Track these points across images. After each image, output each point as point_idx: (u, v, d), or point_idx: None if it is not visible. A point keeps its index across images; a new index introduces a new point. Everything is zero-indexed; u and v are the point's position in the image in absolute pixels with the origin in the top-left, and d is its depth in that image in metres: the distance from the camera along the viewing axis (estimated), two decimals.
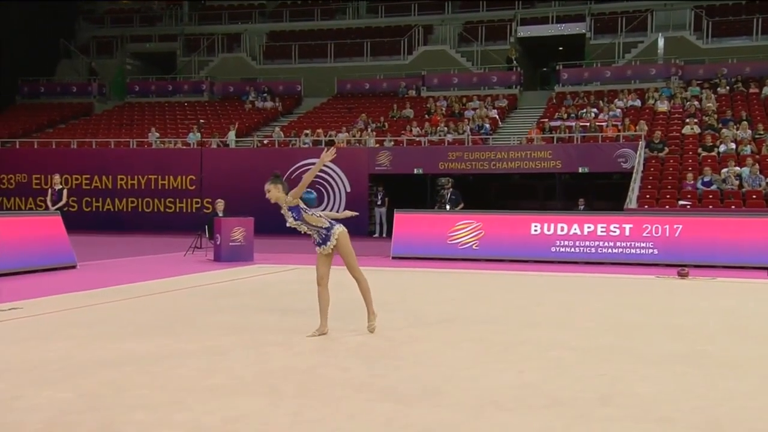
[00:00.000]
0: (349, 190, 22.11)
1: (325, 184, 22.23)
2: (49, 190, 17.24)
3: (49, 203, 16.66)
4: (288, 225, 6.59)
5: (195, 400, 4.54)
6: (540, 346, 6.31)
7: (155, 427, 4.04)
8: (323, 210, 23.42)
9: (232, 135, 24.43)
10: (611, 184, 22.27)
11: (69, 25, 33.28)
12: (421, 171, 21.79)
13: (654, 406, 4.47)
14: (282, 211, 6.54)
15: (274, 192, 6.50)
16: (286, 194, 6.49)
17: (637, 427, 4.08)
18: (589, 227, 13.70)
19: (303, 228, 6.58)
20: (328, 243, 6.60)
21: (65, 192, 16.92)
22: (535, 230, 14.05)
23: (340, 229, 6.64)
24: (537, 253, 13.87)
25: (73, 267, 12.51)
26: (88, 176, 23.91)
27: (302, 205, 6.53)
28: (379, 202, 22.03)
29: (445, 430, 4.01)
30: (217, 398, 4.59)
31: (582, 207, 18.82)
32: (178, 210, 23.65)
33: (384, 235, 21.75)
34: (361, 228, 21.95)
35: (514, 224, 14.39)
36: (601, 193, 22.05)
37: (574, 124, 21.64)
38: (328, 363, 5.61)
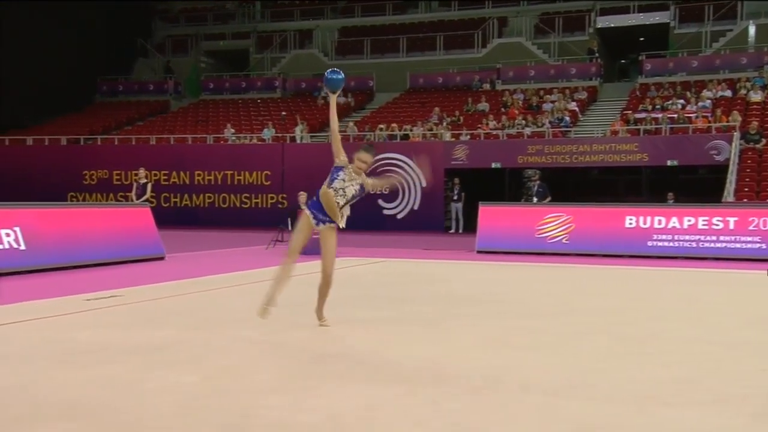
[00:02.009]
0: (424, 185, 21.75)
1: (401, 178, 21.93)
2: (134, 184, 17.45)
3: (134, 197, 16.85)
4: (344, 192, 5.95)
5: (326, 386, 4.29)
6: (675, 339, 5.87)
7: (291, 413, 3.81)
8: (399, 204, 23.24)
9: (298, 130, 24.38)
10: (697, 179, 21.32)
11: (145, 25, 33.95)
12: (499, 165, 21.28)
13: None
14: (348, 179, 5.94)
15: (370, 162, 6.03)
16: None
17: None
18: (689, 220, 13.02)
19: (338, 200, 5.93)
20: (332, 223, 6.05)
21: (149, 186, 17.06)
22: (630, 224, 13.44)
23: None
24: (632, 248, 13.26)
25: (162, 258, 12.55)
26: (166, 172, 24.23)
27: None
28: (455, 197, 21.62)
29: (608, 425, 3.63)
30: (348, 384, 4.33)
31: (671, 202, 18.01)
32: (253, 205, 23.74)
33: (460, 231, 21.34)
34: (437, 223, 21.64)
35: (606, 217, 13.80)
36: (687, 188, 21.09)
37: (660, 115, 20.78)
38: (453, 353, 5.29)
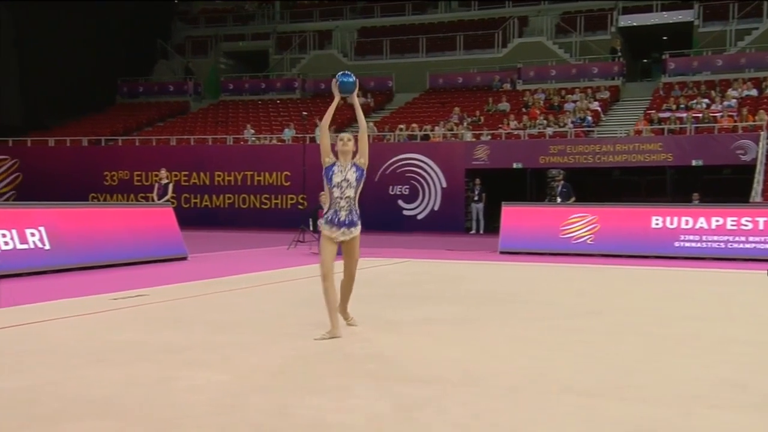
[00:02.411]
0: (445, 185, 21.62)
1: (420, 179, 21.83)
2: (155, 185, 17.45)
3: (155, 197, 16.85)
4: (348, 181, 5.67)
5: (361, 386, 4.21)
6: (713, 340, 5.74)
7: (329, 413, 3.72)
8: (419, 205, 23.14)
9: (317, 131, 24.33)
10: (722, 179, 21.03)
11: (165, 26, 34.09)
12: (520, 165, 21.08)
13: None
14: (343, 168, 5.66)
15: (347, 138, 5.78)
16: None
17: None
18: (717, 221, 12.80)
19: (348, 193, 5.66)
20: (356, 228, 5.75)
21: (171, 186, 17.05)
22: (657, 224, 13.24)
23: None
24: (658, 248, 13.06)
25: (184, 258, 12.53)
26: (186, 173, 24.27)
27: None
28: (476, 198, 21.44)
29: (658, 428, 3.51)
30: (382, 384, 4.24)
31: (697, 202, 17.74)
32: (273, 206, 23.72)
33: (481, 232, 21.18)
34: (457, 224, 21.48)
35: (632, 217, 13.61)
36: (711, 188, 20.80)
37: (685, 115, 20.50)
38: (486, 353, 5.19)
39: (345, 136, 5.81)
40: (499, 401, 3.95)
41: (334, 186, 5.66)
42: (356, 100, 6.05)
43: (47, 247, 10.24)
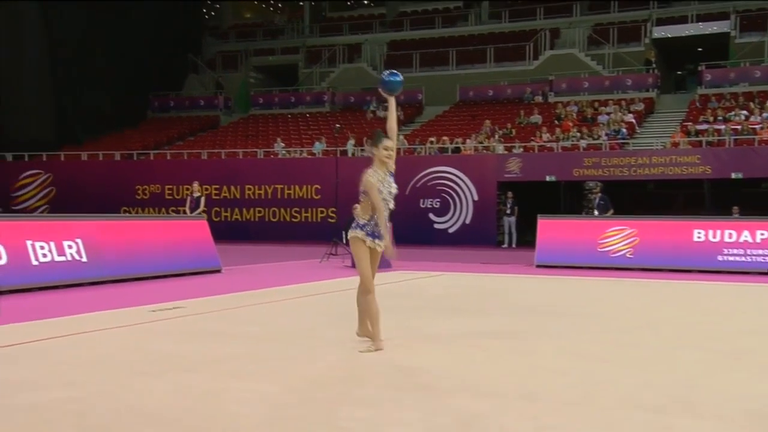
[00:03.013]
0: (476, 198, 21.40)
1: (452, 192, 21.64)
2: (188, 198, 17.51)
3: (187, 210, 16.90)
4: (390, 194, 5.42)
5: (413, 399, 4.04)
6: None
7: (383, 425, 3.57)
8: (450, 218, 22.95)
9: (350, 145, 24.28)
10: (761, 192, 20.55)
11: (196, 41, 34.40)
12: (553, 178, 20.81)
13: None
14: (383, 180, 5.36)
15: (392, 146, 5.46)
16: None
17: None
18: (762, 234, 12.44)
19: (391, 206, 5.42)
20: (382, 239, 5.44)
21: (203, 199, 17.08)
22: (699, 237, 12.90)
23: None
24: (701, 262, 12.71)
25: (219, 271, 12.47)
26: (217, 186, 24.34)
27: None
28: (508, 211, 21.18)
29: None
30: (436, 398, 4.07)
31: (737, 216, 17.33)
32: (303, 219, 23.67)
33: (513, 245, 20.91)
34: (489, 238, 21.23)
35: (673, 230, 13.28)
36: (750, 202, 20.33)
37: (723, 127, 20.10)
38: (540, 367, 5.00)
39: (386, 143, 5.43)
40: (563, 416, 3.77)
41: (384, 198, 5.38)
42: (393, 103, 5.75)
43: (84, 259, 10.23)
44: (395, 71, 5.85)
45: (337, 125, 20.15)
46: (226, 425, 3.54)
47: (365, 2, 35.37)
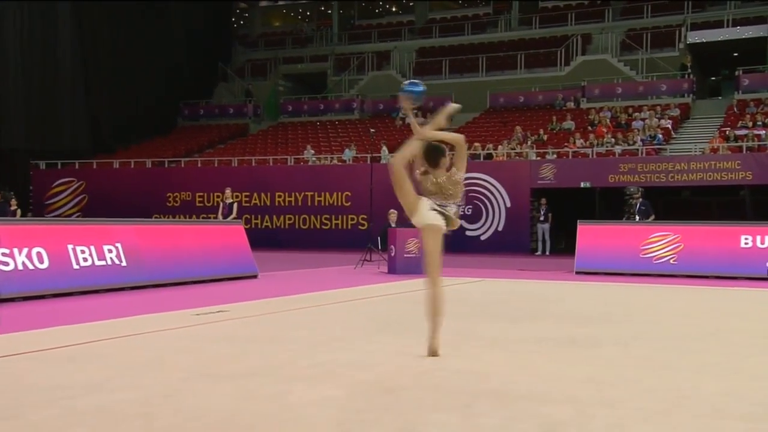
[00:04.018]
0: (509, 205, 21.15)
1: (484, 198, 21.40)
2: (220, 204, 17.45)
3: (220, 216, 16.82)
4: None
5: (487, 405, 3.85)
6: None
7: (464, 429, 3.38)
8: (483, 225, 22.66)
9: (384, 152, 24.16)
10: None
11: (226, 50, 34.58)
12: (588, 184, 20.49)
13: None
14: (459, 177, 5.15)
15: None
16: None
17: None
18: None
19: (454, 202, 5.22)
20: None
21: (236, 206, 16.99)
22: (746, 243, 12.55)
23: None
24: (748, 269, 12.37)
25: (255, 277, 12.37)
26: (247, 193, 24.32)
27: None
28: (542, 218, 20.90)
29: None
30: (511, 404, 3.88)
31: None
32: (333, 226, 23.56)
33: (547, 253, 20.62)
34: (522, 245, 20.96)
35: (719, 236, 12.95)
36: None
37: (763, 132, 19.69)
38: (611, 373, 4.78)
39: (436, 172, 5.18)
40: (652, 425, 3.55)
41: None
42: (411, 116, 5.44)
43: (124, 263, 10.17)
44: (415, 81, 5.53)
45: (372, 130, 20.02)
46: (299, 429, 3.38)
47: (393, 9, 35.30)
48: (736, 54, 26.37)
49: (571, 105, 25.69)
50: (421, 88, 5.34)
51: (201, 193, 24.81)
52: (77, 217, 25.31)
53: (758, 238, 12.49)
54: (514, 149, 22.55)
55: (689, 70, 25.19)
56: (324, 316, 7.68)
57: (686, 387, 4.35)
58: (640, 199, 14.39)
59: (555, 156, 21.42)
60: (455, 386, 4.33)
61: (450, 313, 7.58)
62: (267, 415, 3.62)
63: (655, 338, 6.20)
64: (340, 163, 24.44)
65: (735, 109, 22.52)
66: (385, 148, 24.33)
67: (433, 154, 5.13)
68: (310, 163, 24.94)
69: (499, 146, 22.75)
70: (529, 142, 22.95)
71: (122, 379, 4.34)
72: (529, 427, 3.46)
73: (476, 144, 23.17)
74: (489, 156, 22.50)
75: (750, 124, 20.66)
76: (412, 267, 13.47)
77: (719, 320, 7.60)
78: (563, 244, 21.96)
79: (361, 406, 3.83)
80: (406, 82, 5.51)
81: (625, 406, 3.90)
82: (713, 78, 29.19)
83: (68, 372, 4.57)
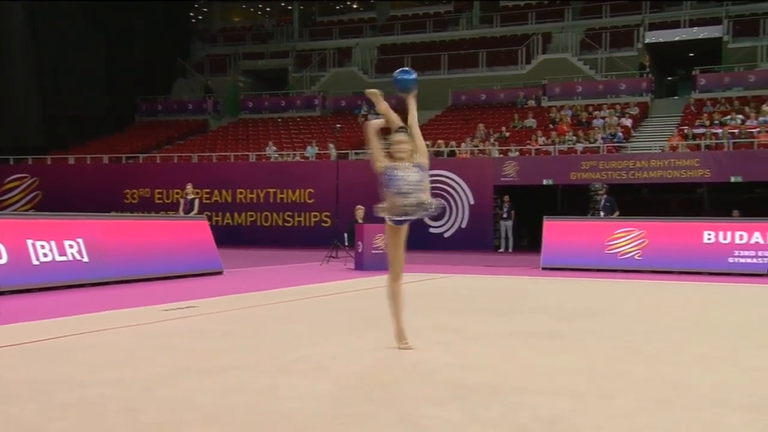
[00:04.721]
0: (472, 202, 21.18)
1: (447, 196, 21.38)
2: (181, 200, 17.10)
3: (181, 213, 16.47)
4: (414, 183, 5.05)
5: (482, 397, 3.76)
6: None
7: (468, 423, 3.29)
8: (446, 222, 22.62)
9: (332, 148, 23.91)
10: (757, 196, 20.51)
11: (184, 45, 33.93)
12: (551, 182, 20.64)
13: None
14: (403, 170, 5.04)
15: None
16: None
17: None
18: None
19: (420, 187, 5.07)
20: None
21: (197, 201, 16.67)
22: (709, 239, 12.74)
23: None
24: (711, 264, 12.56)
25: (220, 273, 12.10)
26: (208, 190, 23.90)
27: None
28: (504, 215, 20.97)
29: None
30: (509, 396, 3.79)
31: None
32: (296, 224, 23.30)
33: (510, 250, 20.69)
34: (485, 242, 21.00)
35: (682, 232, 13.13)
36: (747, 206, 20.28)
37: (720, 131, 20.07)
38: (603, 365, 4.73)
39: (396, 137, 5.22)
40: (652, 416, 3.49)
41: (400, 192, 5.04)
42: (412, 101, 5.44)
43: (86, 259, 9.82)
44: (407, 69, 5.52)
45: (338, 125, 19.81)
46: (295, 424, 3.23)
47: (355, 6, 35.12)
48: (692, 54, 26.88)
49: (532, 103, 25.86)
50: (413, 76, 5.34)
51: (160, 190, 24.29)
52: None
53: (720, 234, 12.69)
54: (477, 147, 22.59)
55: (647, 70, 25.57)
56: (297, 312, 7.51)
57: (681, 378, 4.32)
58: (605, 196, 14.53)
59: (518, 153, 21.51)
60: (446, 379, 4.22)
61: (429, 308, 7.51)
62: (258, 409, 3.46)
63: (639, 331, 6.19)
64: (302, 160, 24.18)
65: (692, 108, 22.93)
66: (332, 145, 24.03)
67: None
68: (272, 160, 24.62)
69: (462, 144, 22.77)
70: (491, 140, 23.02)
71: (101, 374, 4.13)
72: (531, 419, 3.37)
73: (440, 141, 23.15)
74: (452, 153, 22.50)
75: (707, 122, 21.06)
76: (379, 263, 13.35)
77: (696, 314, 7.65)
78: (525, 242, 22.11)
79: (355, 400, 3.70)
80: (398, 70, 5.44)
81: (624, 397, 3.84)
82: (670, 78, 29.69)
83: (42, 367, 4.34)
